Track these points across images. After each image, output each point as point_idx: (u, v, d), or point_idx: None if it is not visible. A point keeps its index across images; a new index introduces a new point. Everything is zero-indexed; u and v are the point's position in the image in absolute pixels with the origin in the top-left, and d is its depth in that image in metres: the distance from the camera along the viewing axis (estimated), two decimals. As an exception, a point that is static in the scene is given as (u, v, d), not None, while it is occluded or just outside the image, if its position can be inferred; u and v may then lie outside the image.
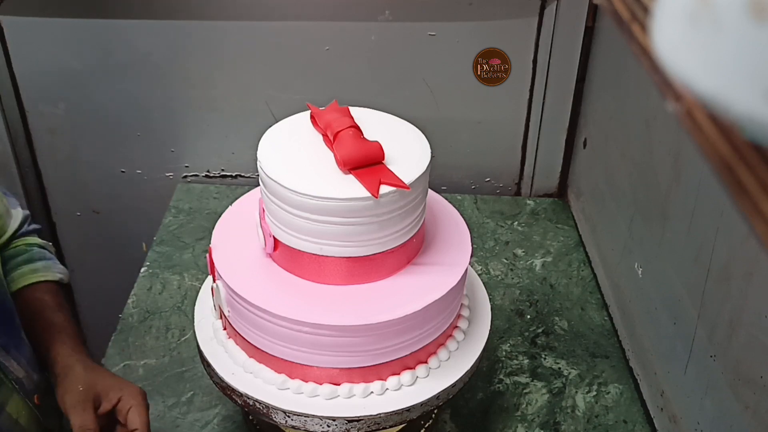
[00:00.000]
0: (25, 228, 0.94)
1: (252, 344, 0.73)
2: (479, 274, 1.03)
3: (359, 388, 0.72)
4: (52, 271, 0.90)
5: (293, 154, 0.72)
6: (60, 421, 0.87)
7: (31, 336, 0.83)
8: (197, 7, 1.19)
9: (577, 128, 1.30)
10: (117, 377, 0.79)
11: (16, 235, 0.92)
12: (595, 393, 0.96)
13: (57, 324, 0.83)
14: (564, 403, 0.94)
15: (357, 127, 0.71)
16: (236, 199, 0.85)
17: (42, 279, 0.88)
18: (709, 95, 0.23)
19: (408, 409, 0.73)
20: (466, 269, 0.76)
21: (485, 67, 1.23)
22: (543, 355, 1.01)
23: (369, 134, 0.72)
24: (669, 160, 0.89)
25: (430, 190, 0.77)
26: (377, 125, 0.76)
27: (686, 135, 0.44)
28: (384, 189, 0.67)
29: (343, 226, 0.68)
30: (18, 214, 0.93)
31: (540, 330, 1.06)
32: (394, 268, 0.73)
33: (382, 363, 0.72)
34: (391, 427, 0.74)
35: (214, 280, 0.77)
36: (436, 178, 0.82)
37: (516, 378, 0.98)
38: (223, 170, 1.36)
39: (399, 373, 0.74)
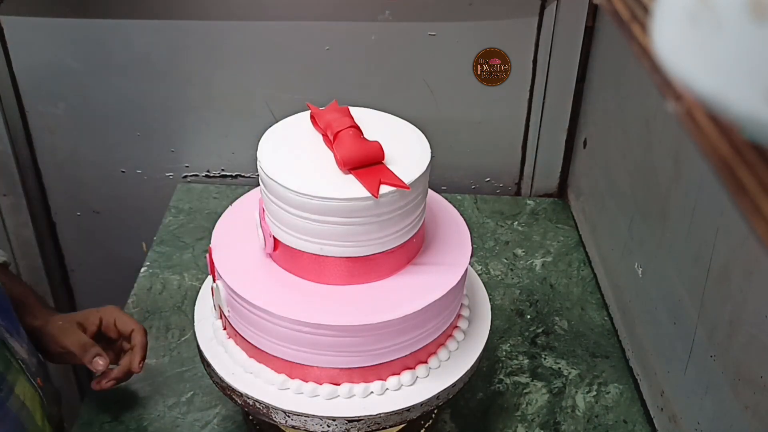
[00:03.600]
0: None
1: (252, 344, 0.73)
2: (479, 274, 1.03)
3: (359, 388, 0.72)
4: None
5: (293, 154, 0.72)
6: (59, 407, 0.87)
7: None
8: (197, 7, 1.19)
9: (577, 128, 1.30)
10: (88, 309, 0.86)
11: None
12: (595, 393, 0.96)
13: (16, 299, 0.84)
14: (564, 403, 0.94)
15: (357, 127, 0.71)
16: (236, 199, 0.85)
17: None
18: (709, 95, 0.23)
19: (408, 409, 0.73)
20: (466, 269, 0.76)
21: (485, 67, 1.23)
22: (543, 355, 1.01)
23: (369, 134, 0.72)
24: (669, 160, 0.89)
25: (430, 190, 0.77)
26: (377, 125, 0.76)
27: (686, 135, 0.44)
28: (384, 189, 0.67)
29: (343, 226, 0.68)
30: None
31: (540, 330, 1.06)
32: (394, 268, 0.73)
33: (382, 363, 0.72)
34: (391, 427, 0.74)
35: (214, 280, 0.77)
36: (436, 178, 0.82)
37: (516, 378, 0.98)
38: (223, 170, 1.35)
39: (399, 373, 0.74)
